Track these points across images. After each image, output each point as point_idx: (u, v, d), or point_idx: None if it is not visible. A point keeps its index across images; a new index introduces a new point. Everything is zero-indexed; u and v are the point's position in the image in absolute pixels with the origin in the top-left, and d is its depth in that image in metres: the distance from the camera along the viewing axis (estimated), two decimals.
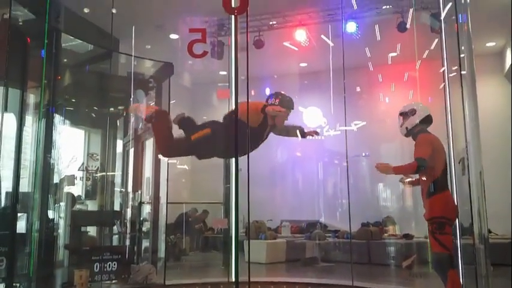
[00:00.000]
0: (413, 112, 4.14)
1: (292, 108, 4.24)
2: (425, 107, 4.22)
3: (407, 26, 7.81)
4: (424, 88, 7.45)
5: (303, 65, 10.99)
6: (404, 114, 4.20)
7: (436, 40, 5.66)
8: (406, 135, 4.18)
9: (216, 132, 4.05)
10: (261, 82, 10.73)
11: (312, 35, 8.72)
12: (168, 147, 4.36)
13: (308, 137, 4.52)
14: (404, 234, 8.69)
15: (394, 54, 8.08)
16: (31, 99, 5.80)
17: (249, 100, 3.55)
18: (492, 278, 4.18)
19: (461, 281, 4.54)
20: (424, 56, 7.33)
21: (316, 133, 4.54)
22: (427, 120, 4.14)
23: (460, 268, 4.56)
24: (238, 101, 3.46)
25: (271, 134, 4.44)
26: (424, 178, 3.94)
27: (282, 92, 4.32)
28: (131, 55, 7.07)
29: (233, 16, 3.36)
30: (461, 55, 4.44)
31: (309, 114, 10.65)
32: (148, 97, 7.44)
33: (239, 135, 3.47)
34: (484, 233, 4.21)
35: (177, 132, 4.30)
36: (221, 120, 4.19)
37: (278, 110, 3.78)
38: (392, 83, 9.26)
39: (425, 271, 6.61)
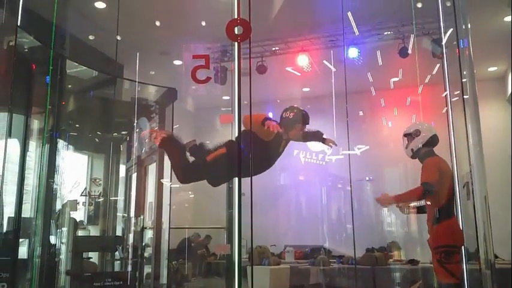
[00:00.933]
0: (417, 133, 4.06)
1: (307, 123, 4.12)
2: (430, 127, 4.14)
3: (409, 51, 7.88)
4: (427, 112, 7.47)
5: (305, 89, 11.06)
6: (408, 136, 4.11)
7: (438, 65, 5.71)
8: (412, 157, 4.06)
9: (232, 151, 3.94)
10: (263, 107, 10.80)
11: (314, 61, 8.81)
12: (183, 170, 4.26)
13: (327, 146, 4.37)
14: (409, 260, 8.57)
15: (396, 79, 8.14)
16: (35, 124, 5.84)
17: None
18: None
19: None
20: (426, 80, 7.37)
21: (334, 143, 4.39)
22: (433, 141, 4.05)
23: None
24: (242, 126, 3.45)
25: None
26: (429, 203, 3.82)
27: (296, 106, 4.22)
28: (135, 81, 7.14)
29: (236, 43, 3.39)
30: (464, 80, 4.45)
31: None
32: (151, 122, 7.48)
33: (255, 150, 3.40)
34: (490, 258, 4.15)
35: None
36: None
37: (272, 130, 3.61)
38: (395, 107, 9.29)
39: None
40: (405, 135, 4.14)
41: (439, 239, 3.74)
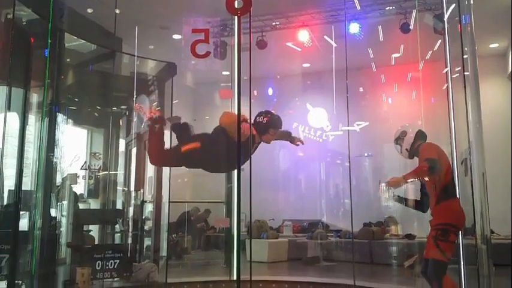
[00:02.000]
0: (404, 134, 4.19)
1: (280, 128, 4.14)
2: (413, 125, 4.31)
3: (411, 27, 7.81)
4: (427, 89, 7.46)
5: (305, 65, 11.00)
6: (398, 139, 4.24)
7: (439, 41, 5.67)
8: (410, 157, 4.19)
9: (205, 146, 3.99)
10: (263, 82, 10.81)
11: (314, 36, 8.73)
12: (156, 156, 4.33)
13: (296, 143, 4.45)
14: (406, 234, 8.68)
15: (397, 55, 8.09)
16: (34, 98, 5.82)
17: (252, 101, 3.55)
18: (494, 278, 4.18)
19: (463, 281, 4.55)
20: (427, 57, 7.33)
21: (301, 142, 4.47)
22: (421, 135, 4.18)
23: (462, 268, 4.56)
24: (241, 101, 3.45)
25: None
26: (430, 183, 3.89)
27: (271, 111, 4.21)
28: (134, 55, 7.10)
29: (236, 17, 3.36)
30: (465, 56, 4.44)
31: (315, 114, 10.68)
32: (151, 97, 7.46)
33: (226, 148, 3.45)
34: (487, 233, 4.21)
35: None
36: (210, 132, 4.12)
37: (244, 132, 3.52)
38: (395, 84, 9.26)
39: None
40: (395, 141, 4.27)
41: (439, 217, 3.81)
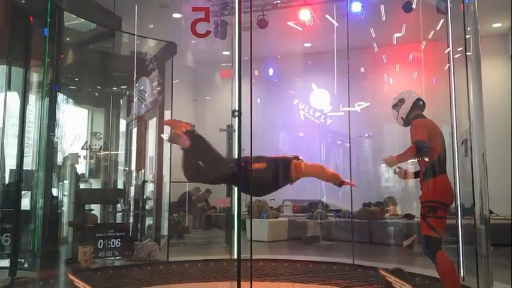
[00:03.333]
0: (402, 101, 4.12)
1: None
2: (412, 92, 4.17)
3: (413, 6, 7.72)
4: (429, 69, 7.41)
5: (307, 45, 10.91)
6: (395, 106, 4.17)
7: (442, 21, 5.61)
8: (405, 125, 4.13)
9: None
10: (264, 62, 10.76)
11: (316, 15, 8.64)
12: (191, 175, 4.27)
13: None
14: (405, 214, 8.74)
15: (399, 34, 8.01)
16: (34, 77, 5.81)
17: (252, 81, 3.54)
18: (492, 257, 4.22)
19: (461, 260, 4.60)
20: (430, 36, 7.26)
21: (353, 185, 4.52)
22: (419, 104, 4.09)
23: (461, 248, 4.61)
24: (242, 81, 3.43)
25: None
26: (420, 160, 3.89)
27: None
28: (134, 34, 7.04)
29: None
30: (467, 36, 4.40)
31: (317, 95, 10.64)
32: (151, 77, 7.43)
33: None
34: (485, 213, 4.23)
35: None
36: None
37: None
38: (397, 64, 9.20)
39: None
40: (392, 107, 4.20)
41: (426, 194, 3.78)
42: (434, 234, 3.65)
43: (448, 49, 4.98)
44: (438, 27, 6.50)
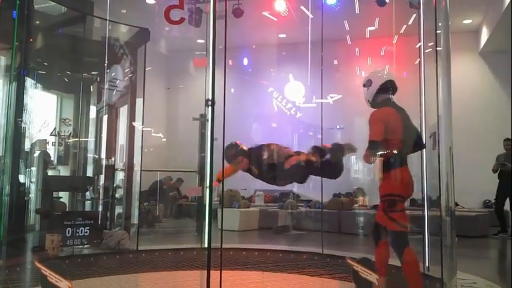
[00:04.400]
0: (369, 83, 3.87)
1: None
2: (382, 73, 3.95)
3: (387, 0, 7.80)
4: (400, 63, 7.53)
5: (281, 36, 10.92)
6: (364, 86, 3.92)
7: (414, 15, 5.70)
8: (372, 107, 3.91)
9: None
10: (239, 52, 10.72)
11: (291, 6, 8.65)
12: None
13: None
14: (374, 205, 8.91)
15: (372, 28, 8.10)
16: (2, 61, 5.66)
17: (226, 70, 3.53)
18: (456, 248, 4.34)
19: (427, 250, 4.72)
20: (402, 31, 7.37)
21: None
22: (387, 87, 3.84)
23: (426, 238, 4.73)
24: (216, 70, 3.42)
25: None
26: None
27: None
28: (106, 19, 6.89)
29: None
30: (438, 31, 4.48)
31: (292, 87, 10.68)
32: (123, 63, 7.31)
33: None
34: (451, 205, 4.34)
35: None
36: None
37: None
38: (369, 57, 9.31)
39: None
40: (363, 85, 3.95)
41: (385, 188, 3.65)
42: (400, 228, 3.59)
43: (419, 44, 5.06)
44: (410, 22, 6.61)
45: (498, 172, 8.06)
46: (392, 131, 3.65)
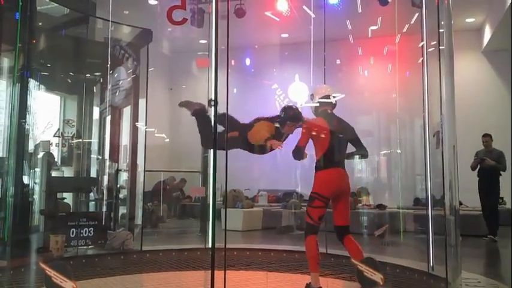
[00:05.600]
0: (312, 97, 4.43)
1: (298, 120, 4.33)
2: (321, 90, 4.42)
3: None
4: (403, 62, 7.52)
5: (284, 35, 10.91)
6: (312, 96, 4.47)
7: (417, 14, 5.68)
8: (316, 116, 4.42)
9: (242, 135, 4.38)
10: (241, 52, 10.71)
11: (293, 5, 8.63)
12: (205, 140, 4.69)
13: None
14: (377, 205, 8.89)
15: (374, 27, 8.08)
16: (5, 63, 5.67)
17: (229, 70, 3.53)
18: (461, 247, 4.34)
19: (431, 249, 4.70)
20: (404, 30, 7.35)
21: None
22: (325, 103, 4.35)
23: (431, 238, 4.72)
24: (218, 71, 3.42)
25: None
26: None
27: (291, 106, 4.40)
28: (108, 20, 6.90)
29: None
30: (441, 30, 4.47)
31: (296, 87, 10.66)
32: (126, 64, 7.32)
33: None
34: (455, 204, 4.34)
35: None
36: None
37: (274, 148, 4.09)
38: (371, 56, 9.29)
39: (396, 240, 6.82)
40: (310, 95, 4.51)
41: (313, 186, 4.18)
42: (310, 221, 4.16)
43: (422, 43, 5.05)
44: (413, 21, 6.58)
45: (478, 169, 7.89)
46: (319, 140, 4.17)
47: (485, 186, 7.78)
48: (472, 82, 10.92)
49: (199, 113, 4.63)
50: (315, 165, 4.21)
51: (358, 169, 9.52)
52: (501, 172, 7.78)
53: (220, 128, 4.24)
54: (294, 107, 4.45)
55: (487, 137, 8.00)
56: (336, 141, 4.22)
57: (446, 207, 4.24)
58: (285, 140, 4.48)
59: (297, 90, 10.61)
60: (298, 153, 4.15)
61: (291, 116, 4.36)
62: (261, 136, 4.14)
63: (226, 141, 3.98)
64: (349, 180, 4.44)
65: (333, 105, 4.40)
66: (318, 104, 4.34)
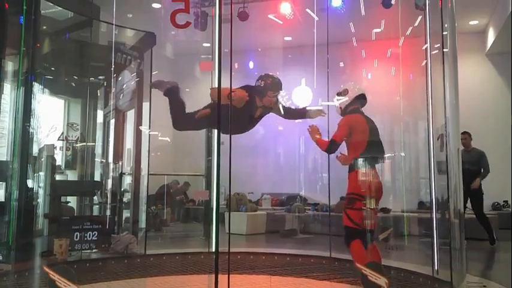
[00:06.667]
0: (346, 92, 4.30)
1: (278, 90, 4.25)
2: (357, 87, 4.37)
3: (392, 1, 7.77)
4: (406, 65, 7.49)
5: (287, 38, 10.91)
6: (339, 94, 4.35)
7: (420, 17, 5.67)
8: (341, 114, 4.32)
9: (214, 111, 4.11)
10: (244, 55, 10.72)
11: (296, 8, 8.64)
12: (176, 121, 4.53)
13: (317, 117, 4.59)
14: (381, 208, 8.85)
15: (378, 30, 8.08)
16: (9, 66, 5.69)
17: (232, 73, 3.53)
18: (465, 251, 4.32)
19: (436, 253, 4.68)
20: (408, 32, 7.34)
21: (324, 113, 4.63)
22: (358, 101, 4.27)
23: (435, 241, 4.69)
24: (222, 73, 3.42)
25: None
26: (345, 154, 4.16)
27: (271, 74, 4.31)
28: (112, 24, 6.92)
29: None
30: (444, 33, 4.46)
31: (301, 91, 10.65)
32: (129, 67, 7.33)
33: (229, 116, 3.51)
34: (460, 208, 4.32)
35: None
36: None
37: (237, 97, 3.87)
38: (375, 59, 9.28)
39: (401, 244, 6.79)
40: (337, 94, 4.40)
41: (348, 187, 4.03)
42: (353, 225, 3.93)
43: (426, 45, 5.04)
44: (416, 24, 6.58)
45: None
46: (359, 137, 4.06)
47: (465, 193, 7.52)
48: (476, 84, 10.88)
49: (172, 92, 4.49)
50: (350, 164, 4.06)
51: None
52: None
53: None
54: (272, 74, 4.29)
55: (465, 135, 7.43)
56: (373, 140, 4.13)
57: (451, 210, 4.22)
58: (265, 114, 4.32)
59: (302, 94, 10.59)
60: (333, 147, 4.03)
61: (269, 84, 4.17)
62: (223, 92, 3.55)
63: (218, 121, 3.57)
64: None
65: (364, 104, 4.31)
66: (349, 101, 4.25)
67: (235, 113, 3.72)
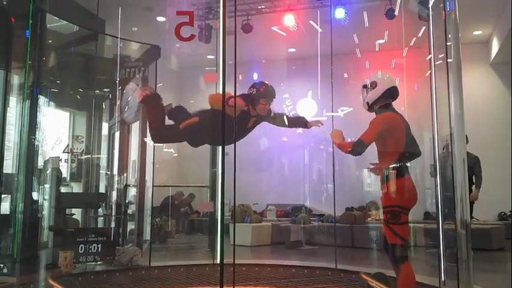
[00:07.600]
0: (374, 85, 3.68)
1: (271, 97, 4.09)
2: (388, 79, 3.76)
3: (396, 13, 7.81)
4: (411, 75, 7.50)
5: (291, 50, 10.97)
6: (365, 87, 3.76)
7: (424, 28, 5.69)
8: (369, 110, 3.77)
9: (204, 121, 3.98)
10: (249, 67, 10.73)
11: (300, 20, 8.70)
12: (157, 132, 4.28)
13: (313, 127, 4.46)
14: None
15: (381, 41, 8.10)
16: (15, 80, 5.73)
17: (237, 85, 3.54)
18: (472, 262, 4.27)
19: (442, 264, 4.64)
20: (412, 43, 7.36)
21: (320, 123, 4.35)
22: (391, 93, 3.67)
23: (442, 252, 4.66)
24: (226, 85, 3.43)
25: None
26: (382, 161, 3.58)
27: (265, 82, 4.17)
28: (117, 37, 6.98)
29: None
30: (448, 43, 4.47)
31: (306, 104, 10.68)
32: (134, 80, 7.38)
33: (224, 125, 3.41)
34: (466, 218, 4.28)
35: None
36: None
37: (231, 105, 3.55)
38: (379, 70, 9.28)
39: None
40: (363, 87, 3.79)
41: (386, 198, 3.46)
42: (400, 241, 3.39)
43: (430, 56, 5.05)
44: (420, 34, 6.60)
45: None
46: (396, 138, 3.47)
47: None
48: (481, 94, 10.87)
49: (150, 99, 4.25)
50: (384, 171, 3.46)
51: (367, 183, 9.48)
52: (474, 182, 7.15)
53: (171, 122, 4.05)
54: (265, 82, 4.05)
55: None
56: (411, 142, 3.54)
57: (457, 221, 4.19)
58: (258, 123, 4.11)
59: (306, 107, 10.61)
60: (359, 148, 3.37)
61: (263, 92, 3.92)
62: (220, 97, 3.38)
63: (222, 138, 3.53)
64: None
65: (396, 98, 3.69)
66: (378, 96, 3.62)
67: (230, 122, 3.58)
